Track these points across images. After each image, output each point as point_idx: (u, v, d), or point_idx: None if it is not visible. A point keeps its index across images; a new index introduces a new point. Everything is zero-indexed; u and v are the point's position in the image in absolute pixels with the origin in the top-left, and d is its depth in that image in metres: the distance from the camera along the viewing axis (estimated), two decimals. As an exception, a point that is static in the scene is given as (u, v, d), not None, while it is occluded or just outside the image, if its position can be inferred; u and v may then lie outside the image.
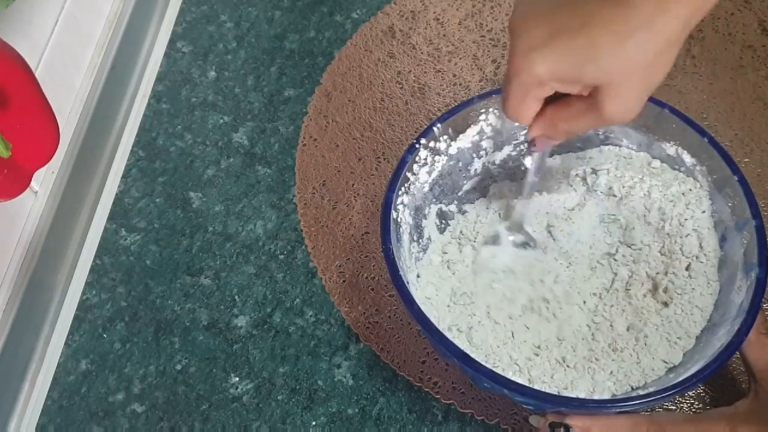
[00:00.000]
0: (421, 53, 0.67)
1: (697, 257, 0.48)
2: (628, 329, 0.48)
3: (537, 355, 0.48)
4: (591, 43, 0.35)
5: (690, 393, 0.49)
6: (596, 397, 0.45)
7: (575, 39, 0.35)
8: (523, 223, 0.51)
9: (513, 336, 0.48)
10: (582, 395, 0.45)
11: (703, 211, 0.49)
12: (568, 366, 0.47)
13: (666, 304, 0.47)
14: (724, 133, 0.61)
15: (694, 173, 0.50)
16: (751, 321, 0.41)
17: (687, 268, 0.48)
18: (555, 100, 0.39)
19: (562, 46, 0.35)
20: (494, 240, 0.52)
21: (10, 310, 0.54)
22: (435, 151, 0.51)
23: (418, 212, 0.51)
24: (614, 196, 0.52)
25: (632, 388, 0.45)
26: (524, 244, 0.51)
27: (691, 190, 0.50)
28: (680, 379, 0.41)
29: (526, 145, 0.50)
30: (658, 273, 0.49)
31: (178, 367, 0.54)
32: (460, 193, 0.54)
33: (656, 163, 0.51)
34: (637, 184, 0.51)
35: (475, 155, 0.53)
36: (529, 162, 0.47)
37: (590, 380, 0.46)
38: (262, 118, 0.66)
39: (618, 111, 0.37)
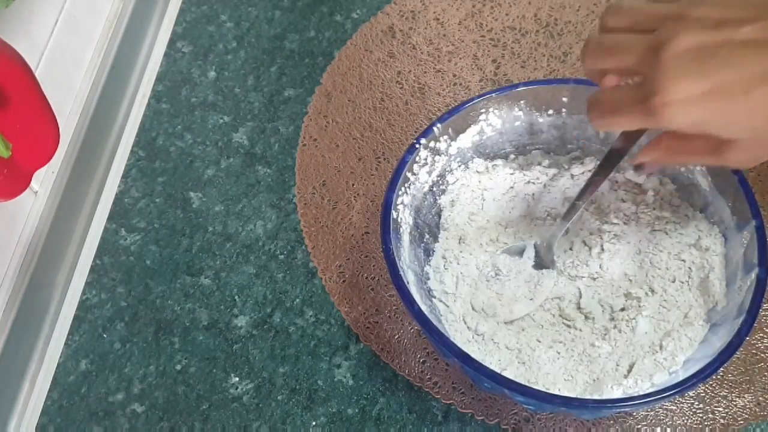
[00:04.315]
0: (421, 53, 0.67)
1: (692, 306, 0.47)
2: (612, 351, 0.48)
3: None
4: (749, 108, 0.35)
5: (690, 393, 0.49)
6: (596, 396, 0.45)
7: (734, 102, 0.35)
8: (552, 245, 0.50)
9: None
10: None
11: (716, 255, 0.48)
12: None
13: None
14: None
15: (696, 180, 0.49)
16: (751, 321, 0.41)
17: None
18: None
19: (718, 106, 0.35)
20: (519, 251, 0.51)
21: (10, 310, 0.54)
22: (435, 151, 0.51)
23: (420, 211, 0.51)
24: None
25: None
26: (539, 265, 0.50)
27: (702, 236, 0.49)
28: (680, 379, 0.41)
29: (633, 166, 0.47)
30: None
31: (178, 367, 0.54)
32: None
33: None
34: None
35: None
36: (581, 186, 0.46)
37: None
38: (262, 118, 0.66)
39: (742, 161, 0.38)
